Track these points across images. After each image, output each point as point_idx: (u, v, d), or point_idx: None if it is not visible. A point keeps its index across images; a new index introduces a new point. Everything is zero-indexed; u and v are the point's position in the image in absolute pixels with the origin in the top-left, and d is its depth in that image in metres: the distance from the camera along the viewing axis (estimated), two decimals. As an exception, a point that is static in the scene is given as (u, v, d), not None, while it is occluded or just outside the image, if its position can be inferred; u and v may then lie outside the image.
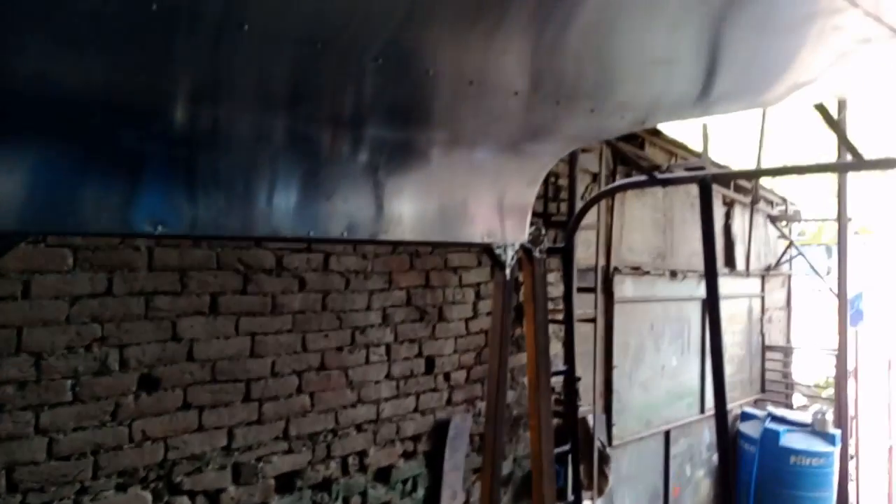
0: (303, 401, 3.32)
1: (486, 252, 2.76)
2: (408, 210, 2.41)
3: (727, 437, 3.61)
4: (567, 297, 4.55)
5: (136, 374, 2.72)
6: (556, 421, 4.56)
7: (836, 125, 3.87)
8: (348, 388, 3.55)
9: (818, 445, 7.09)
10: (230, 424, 3.01)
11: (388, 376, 3.78)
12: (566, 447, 4.06)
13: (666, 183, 6.17)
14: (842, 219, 8.03)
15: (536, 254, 2.94)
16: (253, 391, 3.11)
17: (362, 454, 3.59)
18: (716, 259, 3.59)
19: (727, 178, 7.76)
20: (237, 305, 3.08)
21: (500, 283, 2.87)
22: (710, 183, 3.58)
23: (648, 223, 6.60)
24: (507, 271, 2.79)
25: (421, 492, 3.90)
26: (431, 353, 4.05)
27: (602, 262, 5.72)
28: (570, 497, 4.32)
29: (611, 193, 5.62)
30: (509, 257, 2.79)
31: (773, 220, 9.14)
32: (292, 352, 3.30)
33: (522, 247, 2.86)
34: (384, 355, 3.76)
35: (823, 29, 1.95)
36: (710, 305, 3.59)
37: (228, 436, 3.01)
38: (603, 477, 4.75)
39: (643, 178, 5.61)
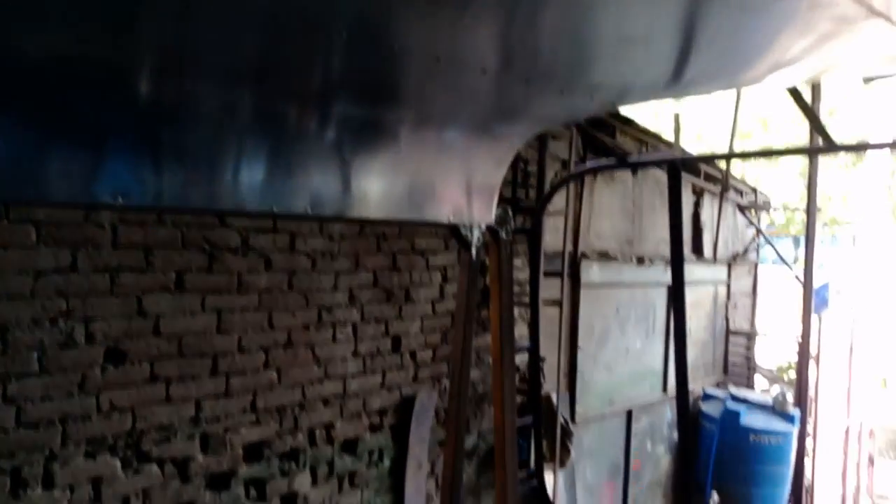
0: (270, 375, 3.41)
1: (452, 232, 2.80)
2: (374, 188, 2.45)
3: (688, 412, 3.71)
4: (533, 278, 4.68)
5: (103, 347, 2.78)
6: (519, 399, 4.70)
7: (809, 110, 3.97)
8: (315, 364, 3.64)
9: (777, 425, 7.32)
10: (197, 396, 3.08)
11: (355, 354, 3.87)
12: (528, 420, 4.18)
13: (635, 166, 6.31)
14: (811, 203, 8.18)
15: (503, 235, 2.97)
16: (220, 365, 3.19)
17: (329, 426, 3.68)
18: (682, 243, 3.66)
19: (697, 161, 7.94)
20: (203, 283, 3.14)
21: (466, 264, 2.91)
22: (679, 166, 3.63)
23: (617, 210, 6.74)
24: (473, 252, 2.83)
25: (387, 462, 4.01)
26: (398, 333, 4.14)
27: (570, 247, 5.84)
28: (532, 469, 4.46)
29: (580, 175, 5.74)
30: (475, 238, 2.82)
31: (743, 209, 9.36)
32: (259, 329, 3.37)
33: (489, 228, 2.89)
34: (351, 334, 3.85)
35: (801, 8, 1.98)
36: (675, 288, 3.64)
37: (196, 407, 3.08)
38: (565, 450, 4.91)
39: (613, 160, 5.75)
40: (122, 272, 2.86)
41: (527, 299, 4.92)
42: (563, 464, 4.95)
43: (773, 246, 9.22)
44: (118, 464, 2.81)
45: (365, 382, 3.92)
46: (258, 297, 3.36)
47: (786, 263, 9.30)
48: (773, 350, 10.74)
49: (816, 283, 8.30)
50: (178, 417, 3.01)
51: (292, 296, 3.53)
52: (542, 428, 4.47)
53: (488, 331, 4.52)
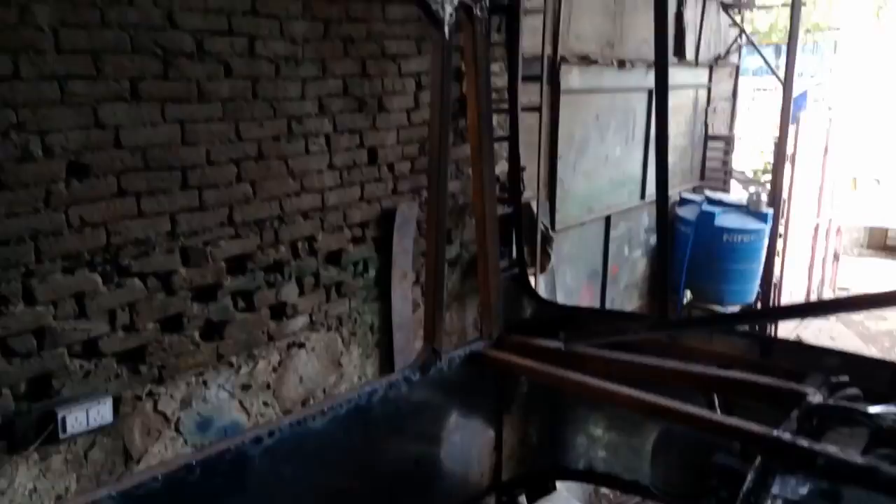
0: (244, 189, 3.31)
1: (421, 7, 2.53)
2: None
3: (667, 216, 3.68)
4: (512, 80, 4.47)
5: (63, 160, 2.63)
6: (501, 211, 4.69)
7: None
8: (290, 178, 3.53)
9: (750, 224, 7.55)
10: (171, 211, 3.00)
11: (331, 166, 3.76)
12: (510, 210, 4.14)
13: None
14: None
15: (478, 11, 2.72)
16: (190, 179, 3.07)
17: (311, 239, 3.67)
18: (667, 29, 3.43)
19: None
20: (159, 91, 2.93)
21: (438, 45, 2.64)
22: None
23: (598, 9, 6.37)
24: (446, 30, 2.58)
25: (372, 273, 4.08)
26: (374, 144, 4.01)
27: (549, 51, 5.57)
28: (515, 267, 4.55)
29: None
30: (447, 14, 2.55)
31: (726, 8, 8.93)
32: (227, 140, 3.22)
33: (462, 3, 2.63)
34: (324, 145, 3.71)
35: None
36: (658, 83, 3.45)
37: (171, 222, 3.01)
38: (545, 256, 5.03)
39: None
40: (71, 80, 2.65)
41: (505, 106, 4.75)
42: (543, 269, 5.09)
43: (755, 47, 8.92)
44: (98, 279, 2.79)
45: (343, 195, 3.86)
46: (221, 106, 3.18)
47: (768, 66, 9.07)
48: (750, 155, 10.84)
49: (796, 91, 8.16)
50: (153, 232, 2.96)
51: (258, 105, 3.34)
52: (522, 233, 4.52)
53: (466, 142, 4.41)
